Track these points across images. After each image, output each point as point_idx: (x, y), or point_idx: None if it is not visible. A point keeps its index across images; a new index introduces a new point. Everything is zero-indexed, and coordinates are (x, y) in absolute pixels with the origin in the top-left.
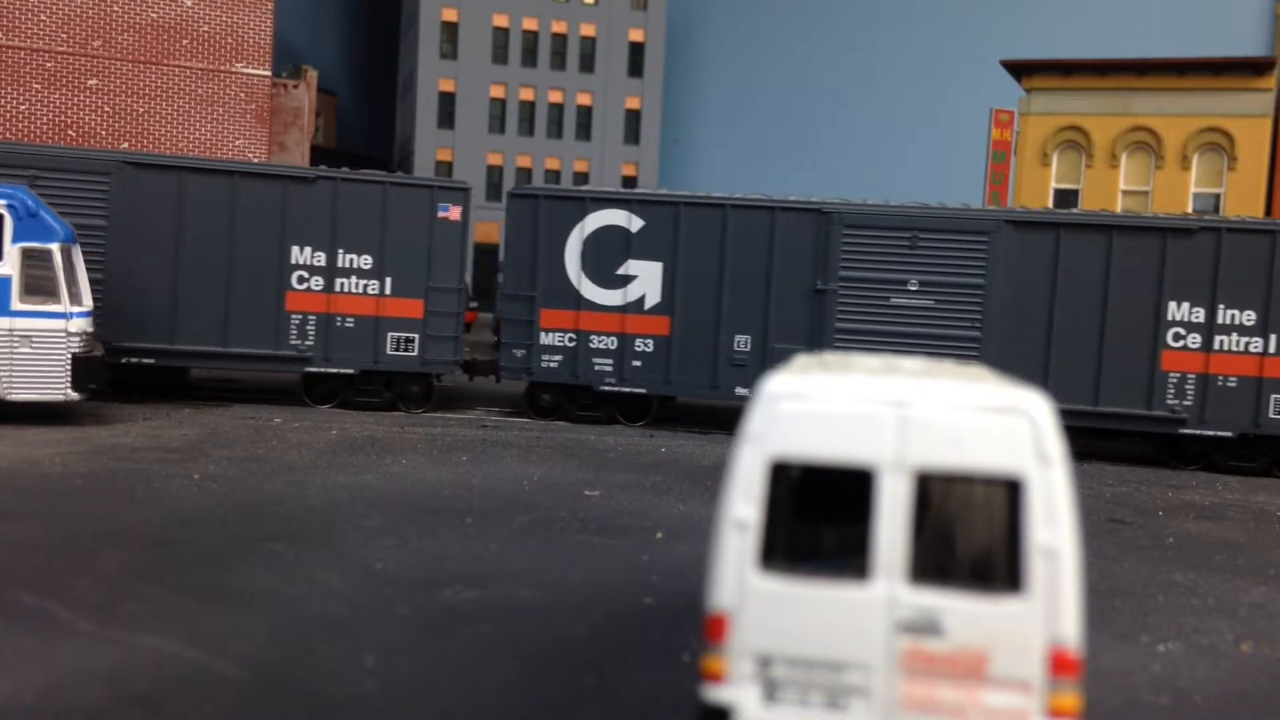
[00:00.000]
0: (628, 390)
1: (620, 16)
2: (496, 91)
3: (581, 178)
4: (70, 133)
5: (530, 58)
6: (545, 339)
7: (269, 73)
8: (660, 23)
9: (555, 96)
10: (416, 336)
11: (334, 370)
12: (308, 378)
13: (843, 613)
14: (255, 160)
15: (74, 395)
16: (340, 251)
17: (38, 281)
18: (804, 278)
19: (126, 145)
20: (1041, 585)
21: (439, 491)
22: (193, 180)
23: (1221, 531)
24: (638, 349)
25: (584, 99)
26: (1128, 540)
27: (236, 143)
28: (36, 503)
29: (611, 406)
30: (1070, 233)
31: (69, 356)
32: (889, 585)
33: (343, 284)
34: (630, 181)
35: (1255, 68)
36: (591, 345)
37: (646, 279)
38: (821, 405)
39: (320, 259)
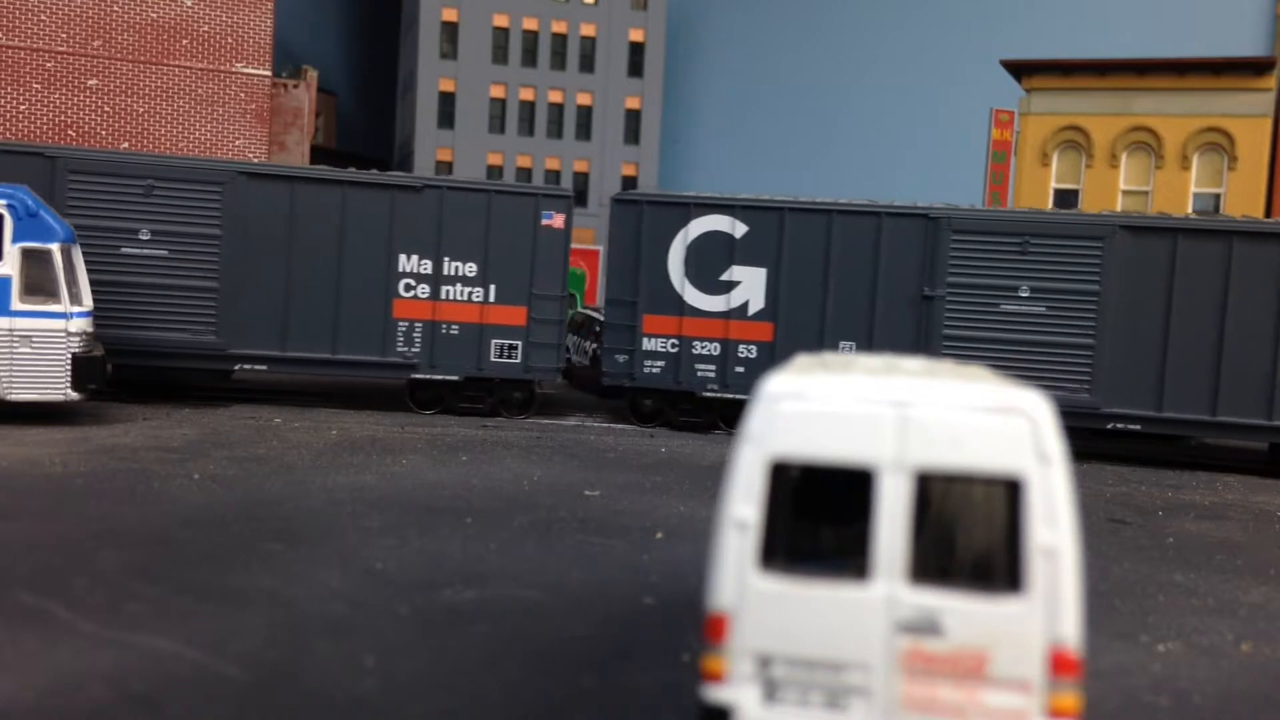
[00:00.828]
0: (730, 396)
1: (620, 16)
2: (496, 91)
3: (581, 178)
4: (70, 133)
5: (530, 58)
6: (648, 345)
7: (269, 73)
8: (660, 23)
9: (555, 96)
10: (519, 343)
11: (438, 377)
12: (413, 384)
13: (843, 613)
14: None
15: (74, 395)
16: (446, 259)
17: (38, 281)
18: (910, 284)
19: (126, 145)
20: (1041, 585)
21: (439, 491)
22: (303, 190)
23: (1221, 531)
24: (741, 355)
25: (584, 99)
26: (1128, 540)
27: (236, 143)
28: (36, 503)
29: (713, 413)
30: (1188, 238)
31: (69, 356)
32: (889, 585)
33: (448, 291)
34: (630, 182)
35: (1255, 68)
36: (694, 351)
37: (750, 285)
38: (822, 405)
39: (426, 267)
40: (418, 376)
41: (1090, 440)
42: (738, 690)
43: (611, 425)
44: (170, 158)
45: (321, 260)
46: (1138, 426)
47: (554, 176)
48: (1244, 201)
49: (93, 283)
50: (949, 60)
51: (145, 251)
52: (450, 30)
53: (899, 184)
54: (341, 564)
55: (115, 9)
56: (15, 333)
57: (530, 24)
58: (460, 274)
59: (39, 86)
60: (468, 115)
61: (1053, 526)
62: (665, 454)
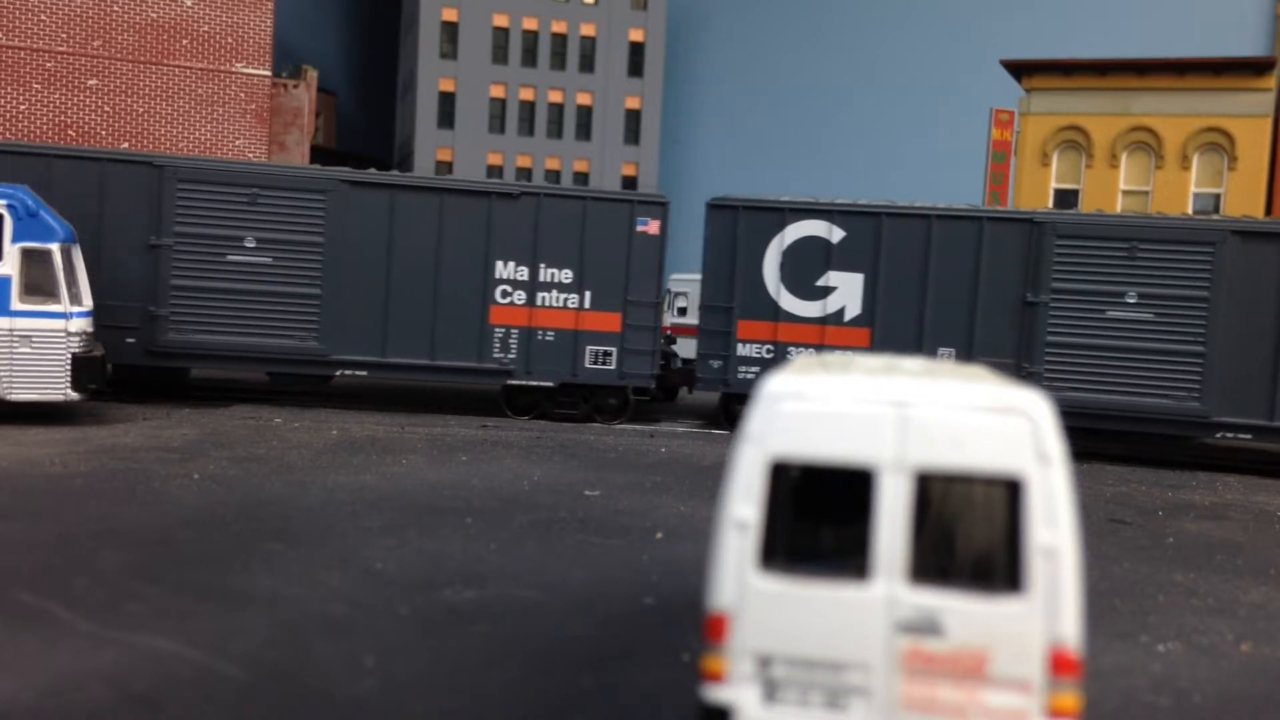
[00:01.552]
0: None
1: (620, 16)
2: (496, 91)
3: (581, 178)
4: (70, 133)
5: (530, 58)
6: (742, 350)
7: (269, 73)
8: (660, 23)
9: (555, 96)
10: (614, 350)
11: (534, 383)
12: (509, 390)
13: (843, 613)
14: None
15: (74, 395)
16: (542, 266)
17: (38, 281)
18: (1012, 289)
19: (126, 145)
20: (1041, 585)
21: (439, 491)
22: (403, 197)
23: (1221, 531)
24: None
25: (584, 99)
26: (1128, 540)
27: (236, 143)
28: (36, 503)
29: None
30: None
31: (69, 356)
32: (889, 585)
33: (544, 298)
34: (630, 182)
35: (1255, 68)
36: (790, 357)
37: (846, 290)
38: (822, 405)
39: (523, 273)
40: (513, 383)
41: (1091, 440)
42: (738, 690)
43: (613, 426)
44: (275, 166)
45: (420, 267)
46: (1248, 436)
47: (554, 176)
48: (1244, 202)
49: (200, 290)
50: (949, 60)
51: (250, 259)
52: (450, 30)
53: (899, 184)
54: (341, 564)
55: (115, 9)
56: (15, 333)
57: (530, 24)
58: (556, 280)
59: (39, 86)
60: (468, 115)
61: (1053, 526)
62: (665, 454)
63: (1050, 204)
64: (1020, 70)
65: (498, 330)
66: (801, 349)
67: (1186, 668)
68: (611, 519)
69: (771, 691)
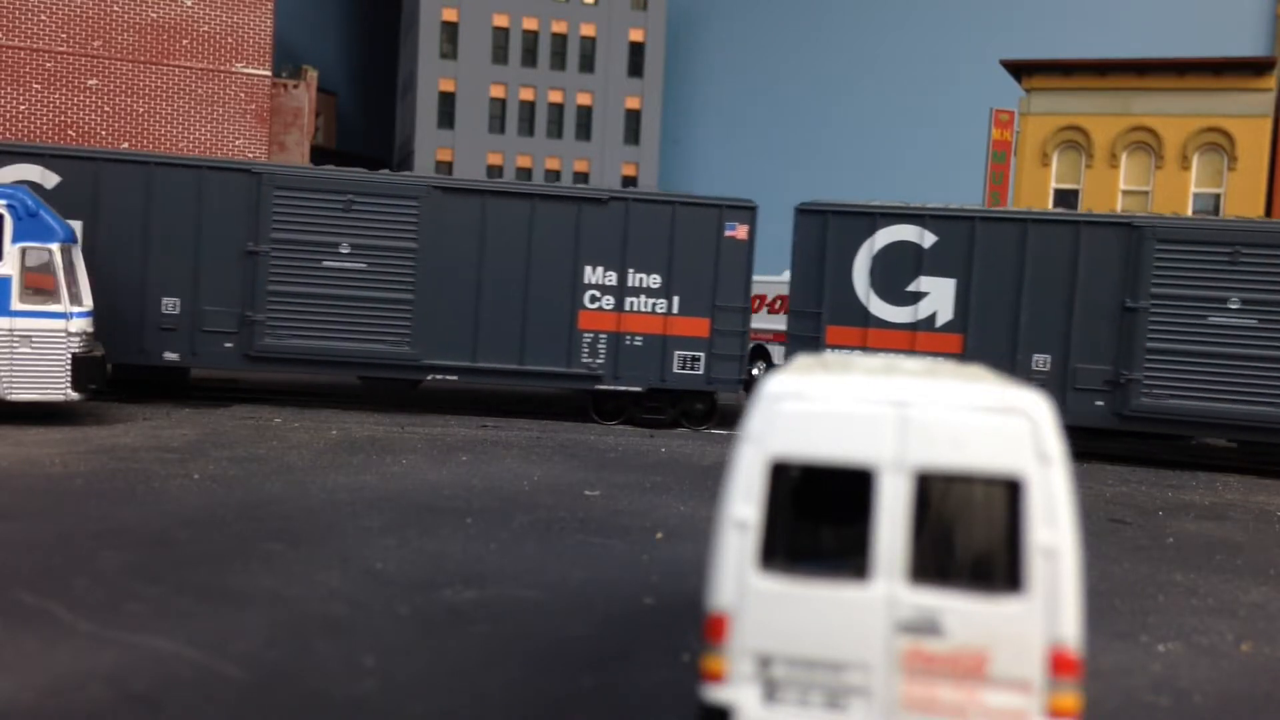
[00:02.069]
0: None
1: (620, 16)
2: (496, 91)
3: (581, 177)
4: (70, 132)
5: (530, 58)
6: None
7: (269, 73)
8: (660, 23)
9: (555, 96)
10: (702, 355)
11: (622, 388)
12: (596, 395)
13: (843, 613)
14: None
15: (74, 395)
16: (630, 271)
17: (38, 281)
18: (1111, 295)
19: (126, 145)
20: (1041, 585)
21: (439, 491)
22: (493, 203)
23: (1221, 531)
24: None
25: (584, 99)
26: (1128, 540)
27: (236, 143)
28: (36, 503)
29: None
30: None
31: (69, 356)
32: (889, 585)
33: (632, 303)
34: (630, 181)
35: (1255, 68)
36: None
37: (938, 296)
38: (822, 405)
39: (611, 278)
40: (601, 388)
41: (1090, 440)
42: (738, 690)
43: (613, 425)
44: (369, 173)
45: (509, 272)
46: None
47: (554, 176)
48: (1244, 202)
49: (296, 295)
50: (949, 60)
51: (345, 265)
52: (450, 30)
53: (899, 184)
54: (341, 564)
55: (115, 9)
56: (15, 333)
57: (530, 24)
58: (644, 285)
59: (39, 86)
60: (468, 115)
61: (1053, 526)
62: (665, 454)
63: (1050, 204)
64: (1020, 70)
65: (586, 335)
66: (892, 355)
67: (1186, 668)
68: (611, 519)
69: (771, 691)
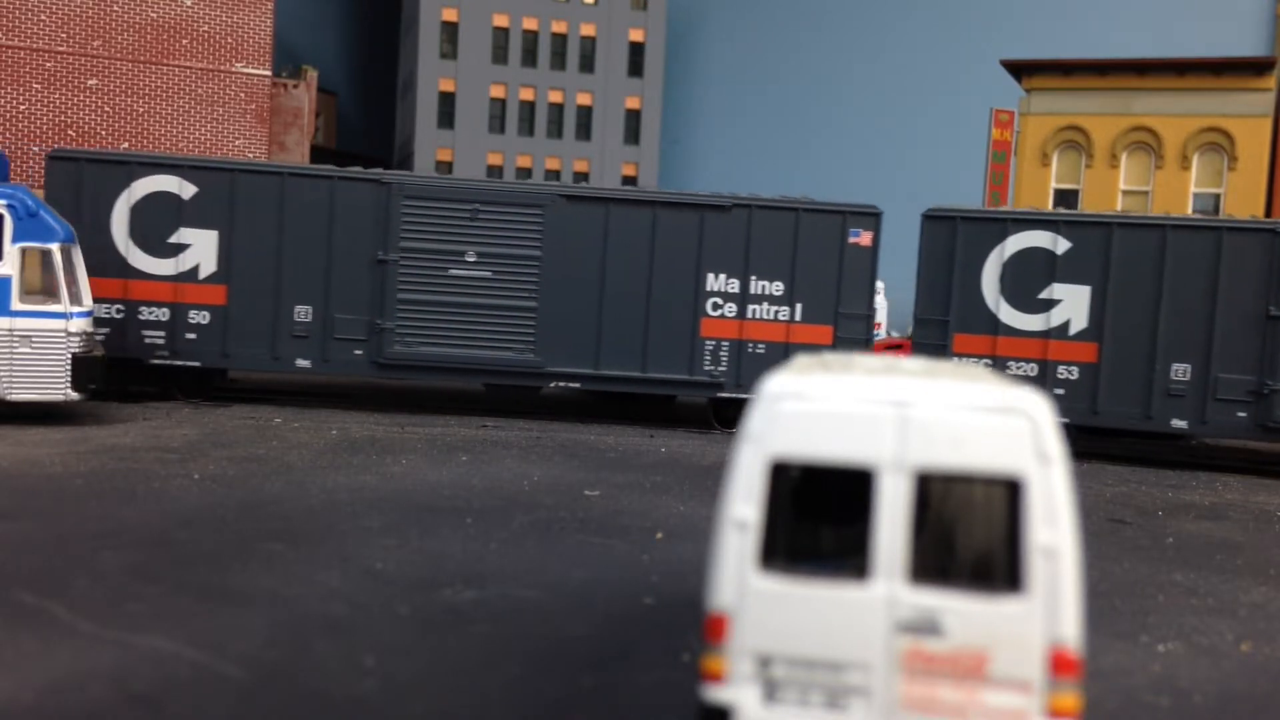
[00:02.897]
0: None
1: (620, 16)
2: (496, 91)
3: (581, 177)
4: (70, 133)
5: (530, 58)
6: None
7: (269, 73)
8: (660, 23)
9: (555, 96)
10: None
11: (744, 396)
12: (716, 403)
13: (843, 613)
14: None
15: (74, 395)
16: (752, 278)
17: (38, 281)
18: (1256, 302)
19: (126, 145)
20: (1041, 585)
21: (439, 491)
22: (616, 211)
23: (1221, 531)
24: (1060, 376)
25: (584, 99)
26: (1128, 540)
27: (236, 143)
28: (36, 503)
29: None
30: None
31: (69, 356)
32: (889, 585)
33: (754, 310)
34: (630, 182)
35: (1255, 68)
36: (1009, 372)
37: (1072, 303)
38: (822, 405)
39: (733, 286)
40: (722, 395)
41: (1092, 440)
42: (738, 690)
43: (613, 426)
44: (497, 182)
45: (632, 279)
46: None
47: (554, 176)
48: (1244, 202)
49: (423, 303)
50: (949, 60)
51: (470, 273)
52: (450, 30)
53: (899, 184)
54: (341, 564)
55: (115, 9)
56: (15, 333)
57: (530, 24)
58: (766, 293)
59: (39, 86)
60: (468, 115)
61: (1053, 526)
62: (665, 454)
63: (1050, 204)
64: (1020, 70)
65: (708, 343)
66: (1021, 363)
67: (1186, 668)
68: (611, 519)
69: (771, 691)
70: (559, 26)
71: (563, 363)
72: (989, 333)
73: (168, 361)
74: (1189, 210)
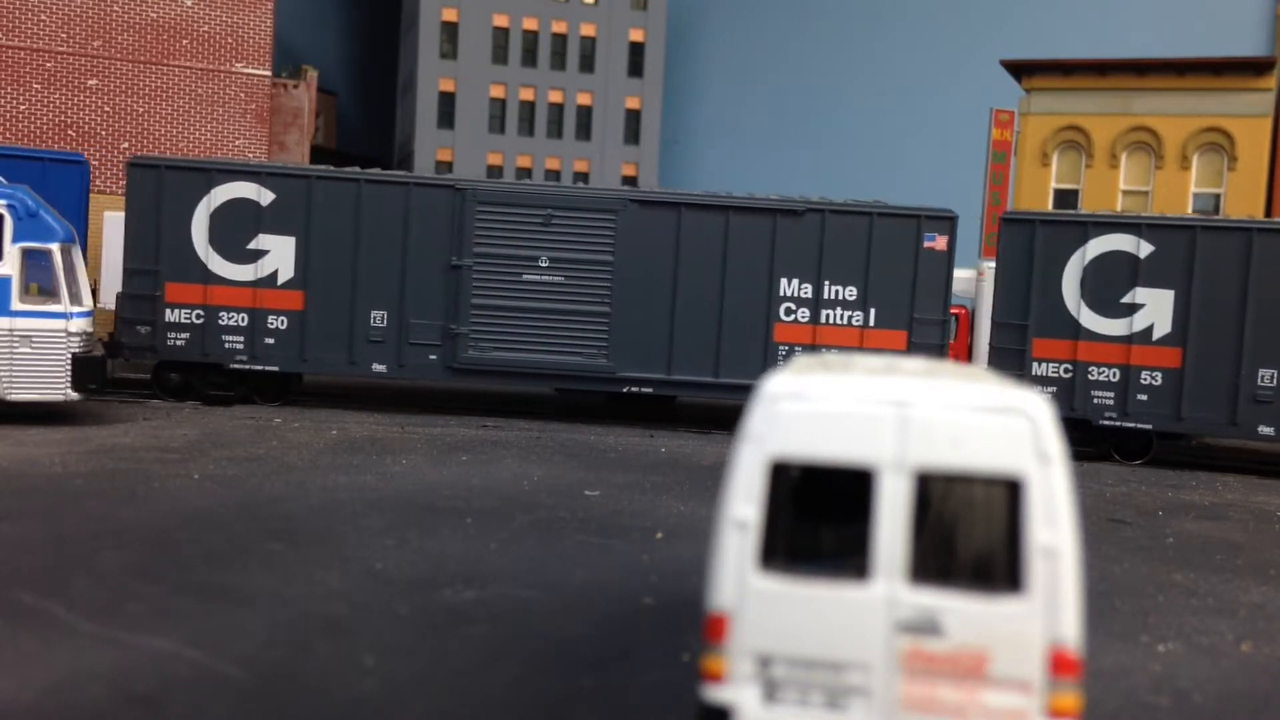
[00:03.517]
0: (1130, 425)
1: (620, 16)
2: (496, 91)
3: (581, 177)
4: (70, 133)
5: (530, 58)
6: (1037, 370)
7: (269, 73)
8: (660, 23)
9: (555, 96)
10: None
11: None
12: None
13: (843, 613)
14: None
15: (74, 395)
16: (826, 283)
17: (38, 281)
18: None
19: (126, 145)
20: (1041, 585)
21: (439, 491)
22: (689, 215)
23: (1221, 531)
24: (1144, 382)
25: (584, 99)
26: (1128, 540)
27: (236, 143)
28: (36, 503)
29: (1105, 442)
30: None
31: (69, 356)
32: (889, 585)
33: (827, 315)
34: (630, 182)
35: (1255, 68)
36: (1090, 377)
37: (1155, 307)
38: (821, 405)
39: (807, 291)
40: None
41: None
42: (738, 690)
43: (613, 426)
44: (569, 187)
45: (705, 284)
46: None
47: (554, 176)
48: (1244, 202)
49: (496, 308)
50: (949, 60)
51: (544, 278)
52: (450, 30)
53: (899, 184)
54: (341, 564)
55: (115, 9)
56: (15, 333)
57: (530, 24)
58: (840, 297)
59: (39, 86)
60: (468, 115)
61: (1053, 526)
62: (665, 454)
63: (1050, 205)
64: (1020, 70)
65: (781, 348)
66: (1103, 368)
67: (1186, 668)
68: (611, 519)
69: (771, 691)
70: (559, 26)
71: (635, 368)
72: (1070, 337)
73: (247, 366)
74: (1189, 210)
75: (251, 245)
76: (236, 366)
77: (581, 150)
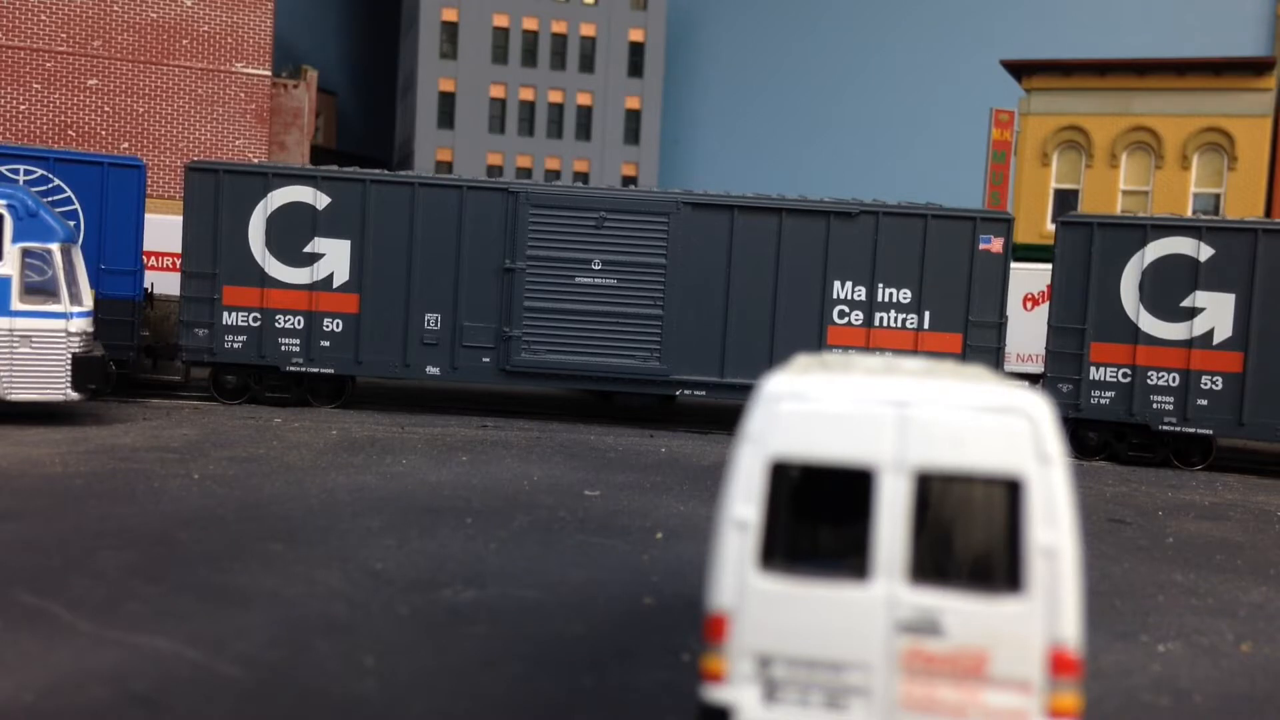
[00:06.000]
0: (1190, 431)
1: (620, 16)
2: (496, 91)
3: (581, 177)
4: (70, 133)
5: (530, 58)
6: (1095, 374)
7: (269, 73)
8: (660, 23)
9: (555, 96)
10: None
11: None
12: None
13: (843, 613)
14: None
15: (74, 395)
16: (880, 286)
17: (38, 281)
18: None
19: (126, 145)
20: (1041, 585)
21: (439, 491)
22: (742, 218)
23: (1221, 531)
24: (1204, 386)
25: (584, 99)
26: (1128, 540)
27: (236, 143)
28: (36, 503)
29: (1166, 449)
30: None
31: (69, 356)
32: (889, 585)
33: (881, 318)
34: (630, 182)
35: (1255, 68)
36: (1150, 382)
37: (1216, 311)
38: (821, 405)
39: (860, 293)
40: None
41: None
42: (738, 690)
43: (613, 426)
44: (622, 190)
45: (757, 287)
46: None
47: (554, 176)
48: (1244, 202)
49: (549, 311)
50: (949, 60)
51: (596, 281)
52: (450, 30)
53: (899, 184)
54: (341, 564)
55: (115, 9)
56: (15, 333)
57: (530, 24)
58: (894, 300)
59: (39, 86)
60: (468, 115)
61: (1053, 526)
62: (665, 454)
63: (1050, 205)
64: (1020, 70)
65: (835, 351)
66: (1163, 372)
67: (1186, 668)
68: (611, 519)
69: (771, 691)
70: (559, 26)
71: (688, 370)
72: (1128, 341)
73: (303, 369)
74: (1188, 211)
75: (307, 249)
76: (292, 369)
77: (581, 150)
